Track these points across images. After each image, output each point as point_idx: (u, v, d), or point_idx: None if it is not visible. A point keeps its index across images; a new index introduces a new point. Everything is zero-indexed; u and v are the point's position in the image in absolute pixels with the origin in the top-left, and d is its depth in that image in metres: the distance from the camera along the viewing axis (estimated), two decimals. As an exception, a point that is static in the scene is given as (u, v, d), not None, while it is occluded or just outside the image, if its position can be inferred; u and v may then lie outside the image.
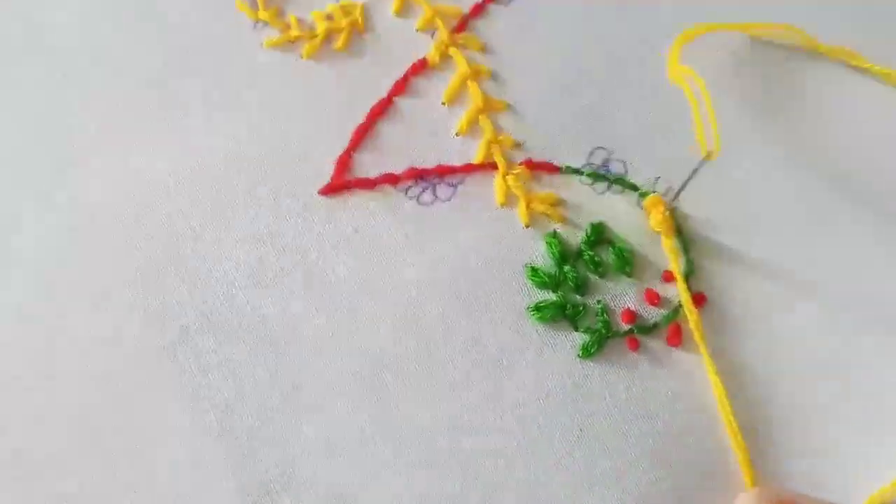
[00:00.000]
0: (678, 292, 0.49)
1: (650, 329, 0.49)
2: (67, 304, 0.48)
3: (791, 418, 0.48)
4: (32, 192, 0.50)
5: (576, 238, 0.50)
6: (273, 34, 0.51)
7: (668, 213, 0.49)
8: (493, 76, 0.51)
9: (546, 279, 0.49)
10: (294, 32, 0.51)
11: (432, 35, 0.52)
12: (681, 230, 0.50)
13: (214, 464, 0.46)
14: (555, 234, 0.49)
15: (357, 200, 0.49)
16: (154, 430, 0.46)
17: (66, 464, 0.46)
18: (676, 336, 0.49)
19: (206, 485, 0.46)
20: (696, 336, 0.48)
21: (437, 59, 0.51)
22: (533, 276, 0.49)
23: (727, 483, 0.47)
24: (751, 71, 0.52)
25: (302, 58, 0.51)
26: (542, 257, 0.49)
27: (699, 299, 0.49)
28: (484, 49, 0.52)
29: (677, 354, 0.48)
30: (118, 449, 0.46)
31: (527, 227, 0.49)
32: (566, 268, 0.49)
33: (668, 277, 0.49)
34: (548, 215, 0.50)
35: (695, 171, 0.48)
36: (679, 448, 0.47)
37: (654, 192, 0.50)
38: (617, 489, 0.47)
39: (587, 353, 0.48)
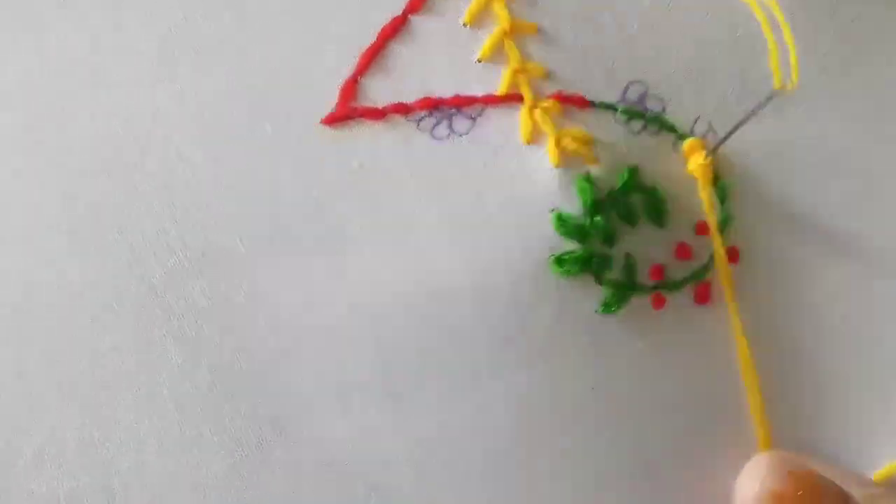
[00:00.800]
0: (711, 246, 0.45)
1: (678, 285, 0.45)
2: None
3: (815, 385, 0.46)
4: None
5: (607, 182, 0.45)
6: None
7: (707, 158, 0.45)
8: (523, -6, 0.45)
9: (573, 230, 0.44)
10: (298, -66, 0.43)
11: (455, -59, 0.45)
12: (719, 178, 0.45)
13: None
14: (588, 178, 0.44)
15: (363, 132, 0.44)
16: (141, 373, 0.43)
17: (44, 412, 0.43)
18: (705, 294, 0.45)
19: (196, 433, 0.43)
20: (727, 294, 0.45)
21: (459, -28, 0.44)
22: (559, 225, 0.44)
23: (742, 447, 0.45)
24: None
25: (307, -33, 0.43)
26: (570, 202, 0.45)
27: (733, 254, 0.45)
28: (513, -39, 0.45)
29: (704, 314, 0.45)
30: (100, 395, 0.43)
31: (556, 167, 0.45)
32: (597, 217, 0.45)
33: (702, 229, 0.45)
34: (580, 155, 0.45)
35: (761, 105, 0.43)
36: (696, 411, 0.45)
37: (693, 134, 0.45)
38: (628, 449, 0.45)
39: (608, 308, 0.45)
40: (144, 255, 0.43)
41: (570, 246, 0.44)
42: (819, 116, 0.46)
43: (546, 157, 0.44)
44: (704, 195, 0.45)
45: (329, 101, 0.43)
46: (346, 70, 0.43)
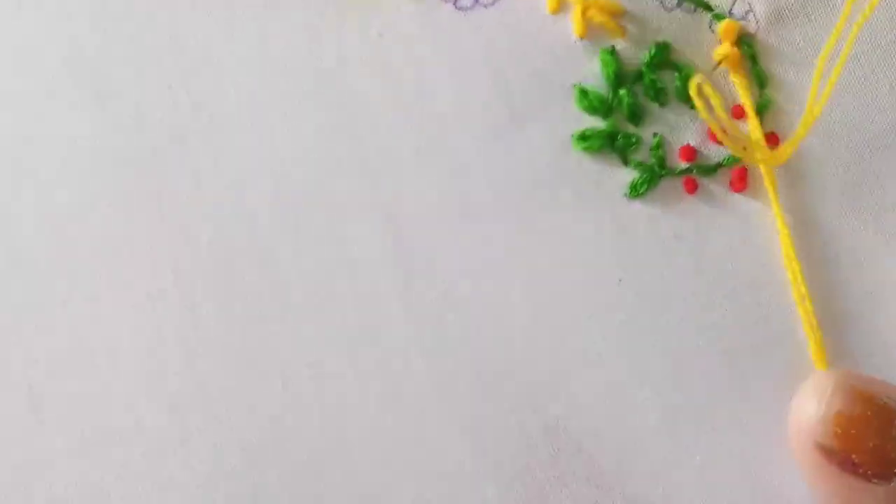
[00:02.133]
0: (748, 130, 0.42)
1: (712, 170, 0.42)
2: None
3: (867, 291, 0.42)
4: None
5: (637, 58, 0.43)
6: None
7: (743, 42, 0.42)
8: None
9: (597, 103, 0.42)
10: None
11: None
12: (757, 61, 0.43)
13: None
14: (612, 51, 0.42)
15: (383, -1, 0.43)
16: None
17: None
18: (742, 180, 0.42)
19: None
20: (767, 181, 0.41)
21: None
22: (582, 98, 0.42)
23: (790, 359, 0.41)
24: None
25: None
26: (595, 77, 0.42)
27: (772, 139, 0.42)
28: None
29: (741, 201, 0.42)
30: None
31: (581, 38, 0.42)
32: (621, 91, 0.42)
33: (739, 113, 0.42)
34: (606, 28, 0.42)
35: None
36: (734, 310, 0.41)
37: (731, 15, 0.43)
38: (658, 348, 0.41)
39: (636, 192, 0.42)
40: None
41: (595, 122, 0.42)
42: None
43: (571, 27, 0.43)
44: (737, 80, 0.42)
45: (351, -35, 0.43)
46: (372, -68, 0.43)
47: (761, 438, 0.40)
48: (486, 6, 0.43)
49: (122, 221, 0.42)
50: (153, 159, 0.42)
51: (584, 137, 0.42)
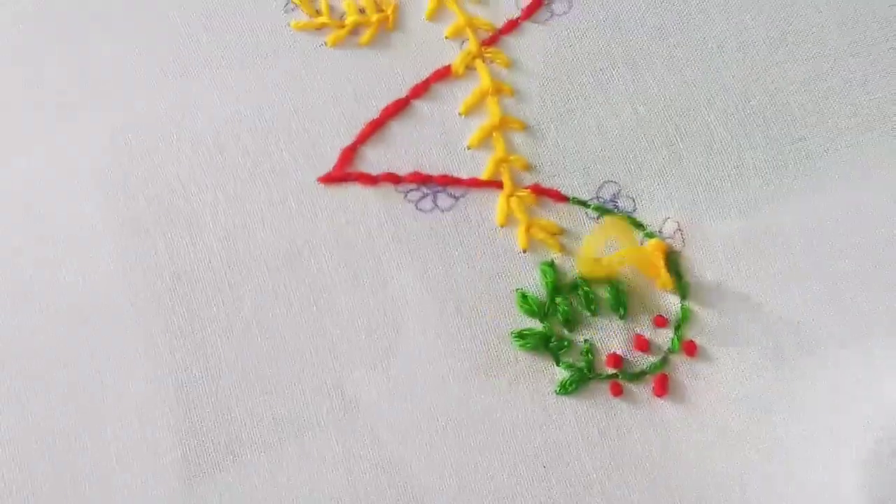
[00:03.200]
0: (669, 339, 0.47)
1: (636, 376, 0.46)
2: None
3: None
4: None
5: (573, 270, 0.48)
6: (302, 18, 0.50)
7: (670, 258, 0.47)
8: (516, 94, 0.49)
9: (535, 308, 0.47)
10: (323, 19, 0.50)
11: (461, 44, 0.50)
12: (682, 276, 0.48)
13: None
14: (551, 264, 0.47)
15: (355, 193, 0.48)
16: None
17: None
18: (663, 387, 0.46)
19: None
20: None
21: (461, 68, 0.49)
22: (522, 302, 0.47)
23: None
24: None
25: (326, 45, 0.50)
26: (535, 285, 0.47)
27: (690, 347, 0.47)
28: (510, 66, 0.50)
29: (662, 406, 0.46)
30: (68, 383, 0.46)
31: (524, 251, 0.48)
32: (558, 299, 0.47)
33: (661, 322, 0.47)
34: (547, 244, 0.48)
35: None
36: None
37: (659, 233, 0.48)
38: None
39: (564, 390, 0.46)
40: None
41: (533, 324, 0.47)
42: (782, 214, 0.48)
43: (517, 240, 0.48)
44: (664, 290, 0.47)
45: (328, 164, 0.48)
46: (348, 139, 0.49)
47: None
48: (443, 210, 0.48)
49: None
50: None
51: (521, 336, 0.46)
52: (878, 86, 0.50)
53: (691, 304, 0.47)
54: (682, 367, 0.47)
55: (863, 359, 0.46)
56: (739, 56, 0.50)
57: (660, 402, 0.46)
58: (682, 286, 0.47)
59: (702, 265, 0.48)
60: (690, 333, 0.47)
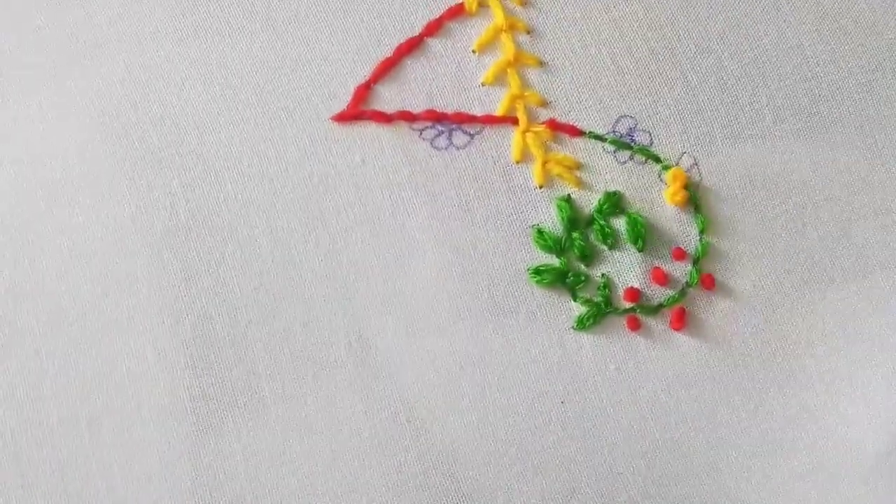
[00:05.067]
0: (687, 272, 0.46)
1: (654, 310, 0.46)
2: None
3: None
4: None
5: (590, 205, 0.47)
6: (315, -42, 0.50)
7: (689, 188, 0.47)
8: (531, 31, 0.49)
9: (551, 243, 0.46)
10: (335, -41, 0.50)
11: (475, -18, 0.50)
12: (700, 208, 0.47)
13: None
14: (567, 198, 0.47)
15: (369, 132, 0.48)
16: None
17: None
18: (680, 320, 0.46)
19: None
20: None
21: (474, 5, 0.49)
22: (538, 238, 0.47)
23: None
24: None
25: (340, -16, 0.50)
26: (552, 220, 0.47)
27: (708, 281, 0.46)
28: (524, 3, 0.50)
29: (680, 339, 0.46)
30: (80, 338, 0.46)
31: (540, 187, 0.47)
32: (574, 234, 0.47)
33: (679, 255, 0.47)
34: (564, 178, 0.47)
35: None
36: (665, 441, 0.45)
37: (677, 165, 0.48)
38: (589, 469, 0.44)
39: (582, 325, 0.46)
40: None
41: (550, 260, 0.47)
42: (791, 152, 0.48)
43: (532, 176, 0.48)
44: (683, 222, 0.47)
45: (342, 102, 0.48)
46: (362, 76, 0.48)
47: None
48: (458, 148, 0.48)
49: None
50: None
51: (538, 272, 0.46)
52: (889, 26, 0.49)
53: (710, 238, 0.47)
54: (699, 300, 0.46)
55: (877, 293, 0.46)
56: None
57: (677, 335, 0.46)
58: (700, 219, 0.47)
59: (719, 199, 0.47)
60: (708, 267, 0.47)
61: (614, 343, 0.46)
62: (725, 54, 0.49)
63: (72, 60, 0.49)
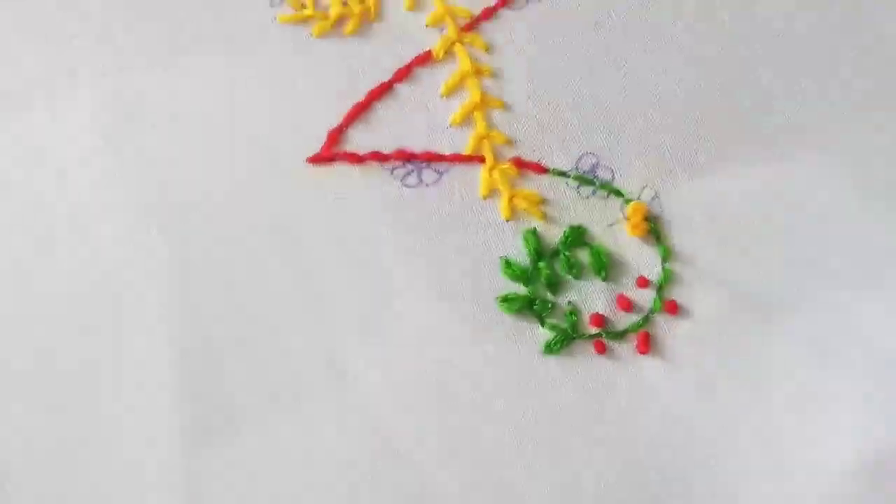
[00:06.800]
0: (651, 299, 0.48)
1: (619, 335, 0.48)
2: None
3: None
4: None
5: (555, 237, 0.49)
6: (288, 11, 0.53)
7: (650, 220, 0.49)
8: (495, 76, 0.52)
9: (519, 272, 0.48)
10: (308, 12, 0.52)
11: (441, 31, 0.53)
12: (662, 238, 0.49)
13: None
14: (533, 231, 0.49)
15: (343, 172, 0.50)
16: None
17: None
18: (645, 343, 0.47)
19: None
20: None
21: (441, 53, 0.52)
22: (506, 268, 0.48)
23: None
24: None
25: (312, 35, 0.52)
26: (519, 252, 0.49)
27: (672, 307, 0.48)
28: (489, 49, 0.52)
29: (644, 362, 0.47)
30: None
31: (507, 220, 0.49)
32: (540, 264, 0.48)
33: (643, 283, 0.48)
34: (529, 212, 0.49)
35: None
36: (630, 460, 0.46)
37: (639, 198, 0.50)
38: (559, 484, 0.45)
39: (550, 350, 0.47)
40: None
41: (517, 289, 0.48)
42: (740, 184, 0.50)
43: (500, 211, 0.50)
44: (645, 253, 0.48)
45: (316, 145, 0.50)
46: (335, 120, 0.51)
47: None
48: (428, 185, 0.50)
49: None
50: None
51: (506, 300, 0.48)
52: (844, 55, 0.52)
53: (672, 266, 0.49)
54: (664, 325, 0.48)
55: (845, 315, 0.48)
56: (709, 32, 0.52)
57: (643, 358, 0.47)
58: (662, 249, 0.49)
59: (681, 228, 0.49)
60: (672, 294, 0.48)
61: (582, 367, 0.47)
62: (683, 93, 0.51)
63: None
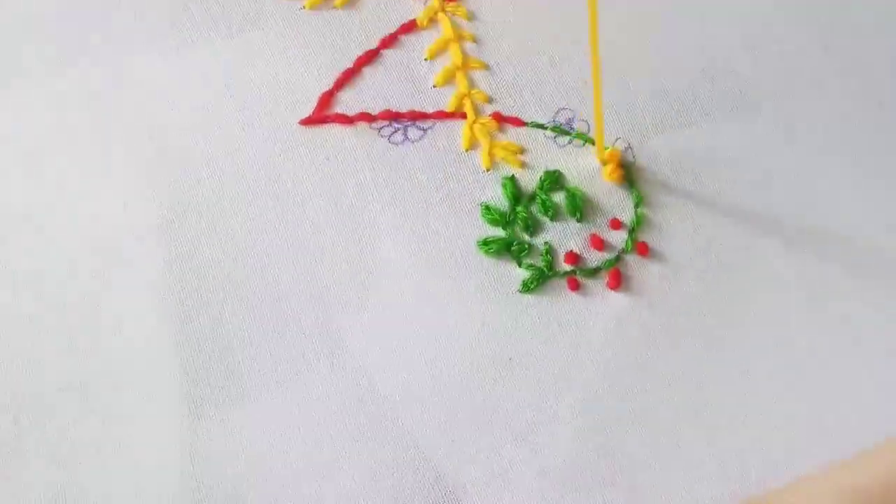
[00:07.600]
0: (623, 240, 0.50)
1: (592, 272, 0.50)
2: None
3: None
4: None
5: (533, 184, 0.52)
6: (282, -13, 0.57)
7: (624, 167, 0.51)
8: (476, 41, 0.55)
9: (497, 217, 0.51)
10: (301, -12, 0.57)
11: (425, 2, 0.57)
12: (635, 184, 0.51)
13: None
14: (511, 178, 0.52)
15: (333, 133, 0.53)
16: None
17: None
18: (616, 280, 0.49)
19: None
20: None
21: (425, 21, 0.55)
22: (486, 213, 0.51)
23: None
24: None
25: (304, 8, 0.56)
26: (499, 198, 0.52)
27: (643, 248, 0.50)
28: (470, 17, 0.56)
29: (615, 298, 0.49)
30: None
31: (487, 170, 0.52)
32: (518, 208, 0.51)
33: (615, 225, 0.51)
34: (508, 161, 0.52)
35: None
36: (610, 390, 0.47)
37: (613, 146, 0.52)
38: (539, 418, 0.47)
39: (527, 288, 0.50)
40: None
41: (496, 232, 0.51)
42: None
43: (480, 161, 0.52)
44: (618, 197, 0.51)
45: (308, 108, 0.54)
46: (326, 85, 0.54)
47: None
48: (413, 142, 0.53)
49: None
50: None
51: (486, 243, 0.50)
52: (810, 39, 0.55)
53: (644, 210, 0.51)
54: (634, 264, 0.50)
55: (805, 262, 0.50)
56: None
57: (614, 294, 0.49)
58: (635, 193, 0.51)
59: (652, 176, 0.52)
60: (643, 236, 0.51)
61: (557, 303, 0.49)
62: (658, 60, 0.54)
63: (58, 68, 0.56)
